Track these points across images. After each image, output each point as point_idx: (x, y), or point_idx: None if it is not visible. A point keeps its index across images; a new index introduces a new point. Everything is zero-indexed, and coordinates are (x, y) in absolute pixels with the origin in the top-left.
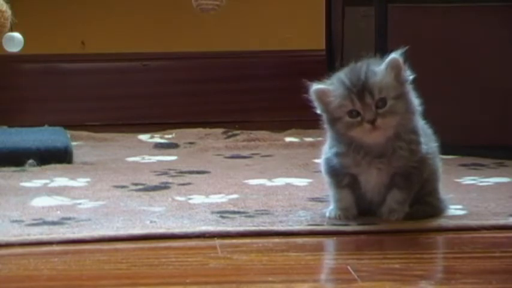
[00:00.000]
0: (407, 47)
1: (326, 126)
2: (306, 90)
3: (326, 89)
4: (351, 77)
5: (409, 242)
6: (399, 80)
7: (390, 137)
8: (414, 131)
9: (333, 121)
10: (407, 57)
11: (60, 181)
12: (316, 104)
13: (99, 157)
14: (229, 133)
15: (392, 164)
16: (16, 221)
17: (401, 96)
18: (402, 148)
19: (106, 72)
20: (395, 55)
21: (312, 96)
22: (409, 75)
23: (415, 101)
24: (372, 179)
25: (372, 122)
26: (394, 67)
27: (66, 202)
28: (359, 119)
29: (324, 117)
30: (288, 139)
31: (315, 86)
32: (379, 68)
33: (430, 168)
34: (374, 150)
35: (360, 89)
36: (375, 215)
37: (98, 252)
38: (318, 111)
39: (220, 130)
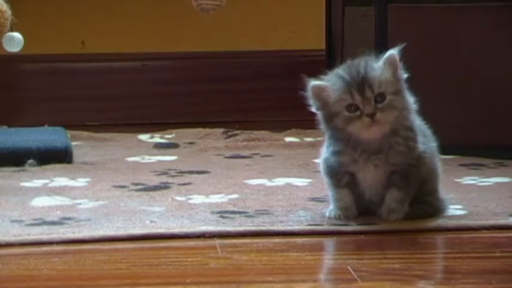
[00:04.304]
0: (404, 44)
1: (322, 125)
2: (303, 87)
3: (324, 85)
4: (350, 72)
5: (409, 242)
6: (396, 76)
7: (386, 133)
8: (411, 129)
9: (331, 117)
10: (406, 56)
11: (60, 181)
12: (312, 101)
13: (99, 157)
14: (229, 133)
15: (390, 161)
16: (16, 221)
17: (399, 93)
18: (399, 144)
19: (106, 72)
20: (392, 52)
21: (309, 92)
22: (403, 73)
23: (410, 99)
24: (369, 176)
25: (371, 116)
26: (392, 63)
27: (66, 202)
28: (358, 113)
29: (320, 114)
30: (288, 139)
31: (313, 82)
32: (377, 64)
33: (428, 167)
34: (371, 147)
35: (360, 83)
36: (375, 215)
37: (98, 252)
38: (314, 109)
39: (220, 130)
